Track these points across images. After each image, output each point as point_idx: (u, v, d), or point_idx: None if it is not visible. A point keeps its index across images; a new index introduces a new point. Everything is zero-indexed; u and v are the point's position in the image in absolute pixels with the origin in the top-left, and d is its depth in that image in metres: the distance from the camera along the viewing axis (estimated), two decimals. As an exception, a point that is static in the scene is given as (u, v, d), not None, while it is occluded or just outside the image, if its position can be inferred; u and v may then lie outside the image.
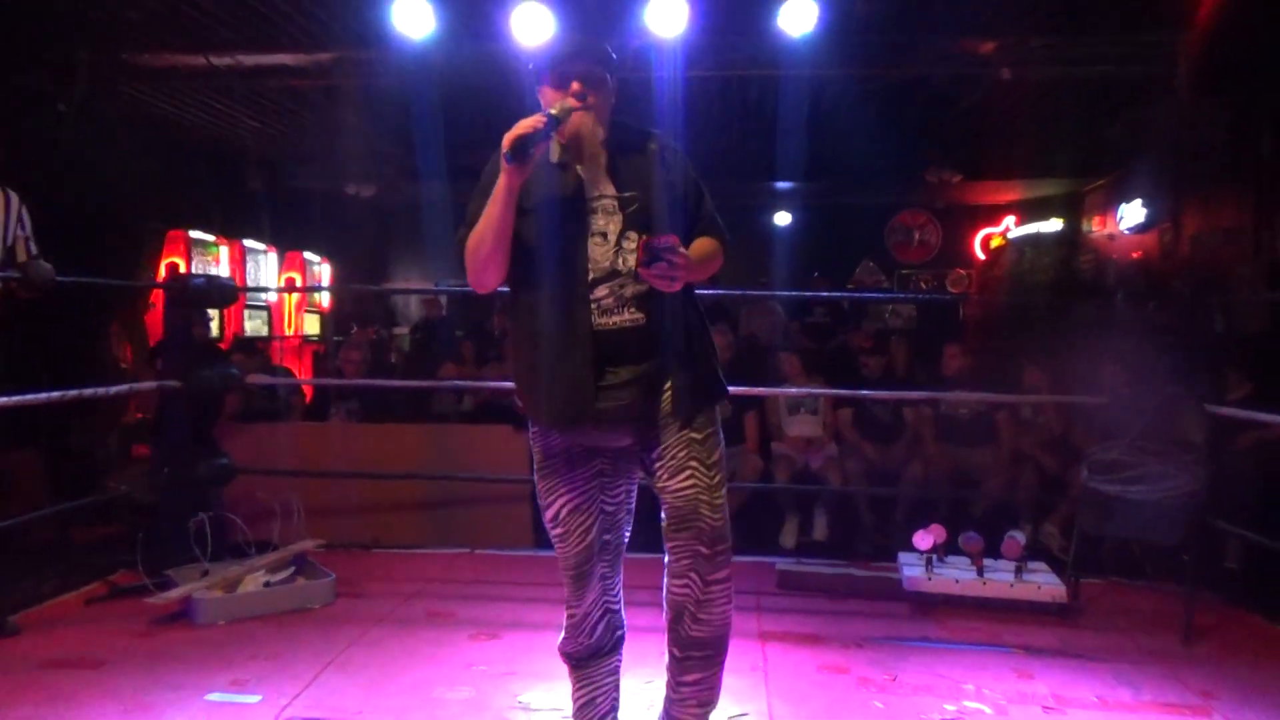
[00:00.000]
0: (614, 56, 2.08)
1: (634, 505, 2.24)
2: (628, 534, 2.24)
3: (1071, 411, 5.23)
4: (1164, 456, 3.53)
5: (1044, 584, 3.56)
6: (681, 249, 1.88)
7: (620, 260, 2.00)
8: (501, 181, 1.94)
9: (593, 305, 1.99)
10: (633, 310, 2.00)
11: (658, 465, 2.06)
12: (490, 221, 1.98)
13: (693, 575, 2.04)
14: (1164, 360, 4.55)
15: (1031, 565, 3.71)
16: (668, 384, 2.04)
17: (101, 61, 6.14)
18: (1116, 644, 3.26)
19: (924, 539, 3.69)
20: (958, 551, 3.75)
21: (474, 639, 3.22)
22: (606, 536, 2.16)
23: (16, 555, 4.43)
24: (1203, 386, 3.94)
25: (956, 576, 3.62)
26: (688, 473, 2.03)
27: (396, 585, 3.81)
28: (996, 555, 3.73)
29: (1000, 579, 3.60)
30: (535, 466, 2.14)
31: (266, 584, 3.56)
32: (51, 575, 3.94)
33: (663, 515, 2.09)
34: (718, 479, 2.04)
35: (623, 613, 2.27)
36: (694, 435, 2.05)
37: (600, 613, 2.18)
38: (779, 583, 3.88)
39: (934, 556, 3.72)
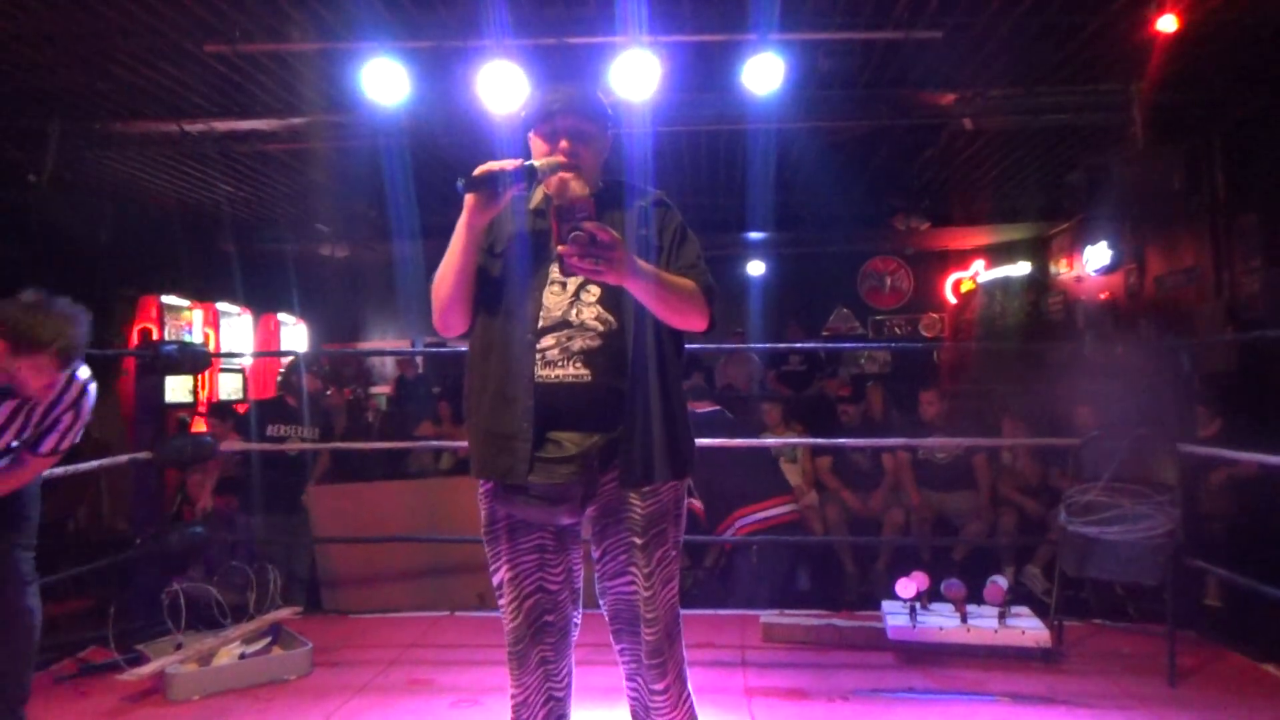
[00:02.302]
0: (610, 112, 2.01)
1: (580, 587, 2.08)
2: (576, 619, 2.08)
3: (1047, 454, 5.28)
4: (1139, 497, 3.55)
5: (1028, 629, 3.55)
6: (604, 227, 1.69)
7: (574, 311, 1.91)
8: (461, 218, 1.87)
9: (537, 355, 1.89)
10: (578, 365, 1.88)
11: (599, 562, 2.01)
12: (451, 260, 1.91)
13: (639, 680, 2.01)
14: (1134, 401, 4.61)
15: (1015, 610, 3.70)
16: (617, 460, 1.91)
17: (72, 131, 6.16)
18: (1102, 688, 3.25)
19: (907, 587, 3.68)
20: (941, 598, 3.74)
21: (455, 706, 3.16)
22: (548, 618, 2.01)
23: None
24: (1173, 426, 3.99)
25: (940, 624, 3.61)
26: (627, 578, 1.96)
27: (375, 652, 3.73)
28: (979, 601, 3.72)
29: (984, 625, 3.58)
30: (482, 530, 2.02)
31: (242, 656, 3.48)
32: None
33: (603, 609, 2.04)
34: (655, 590, 1.94)
35: (568, 703, 2.09)
36: (635, 539, 1.94)
37: (542, 699, 2.02)
38: (764, 635, 3.84)
39: (917, 604, 3.71)
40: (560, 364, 1.88)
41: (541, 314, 1.91)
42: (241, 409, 7.11)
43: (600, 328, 1.90)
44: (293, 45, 5.16)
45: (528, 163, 1.86)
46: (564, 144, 1.93)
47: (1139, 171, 6.59)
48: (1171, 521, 3.45)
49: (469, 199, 1.83)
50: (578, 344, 1.89)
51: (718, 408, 5.03)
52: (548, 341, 1.90)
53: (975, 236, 10.47)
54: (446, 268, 1.92)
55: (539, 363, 1.89)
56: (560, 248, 1.68)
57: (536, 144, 1.98)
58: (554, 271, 1.90)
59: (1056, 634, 3.64)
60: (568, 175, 1.91)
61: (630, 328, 1.91)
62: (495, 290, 1.96)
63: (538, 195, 2.01)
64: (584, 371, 1.88)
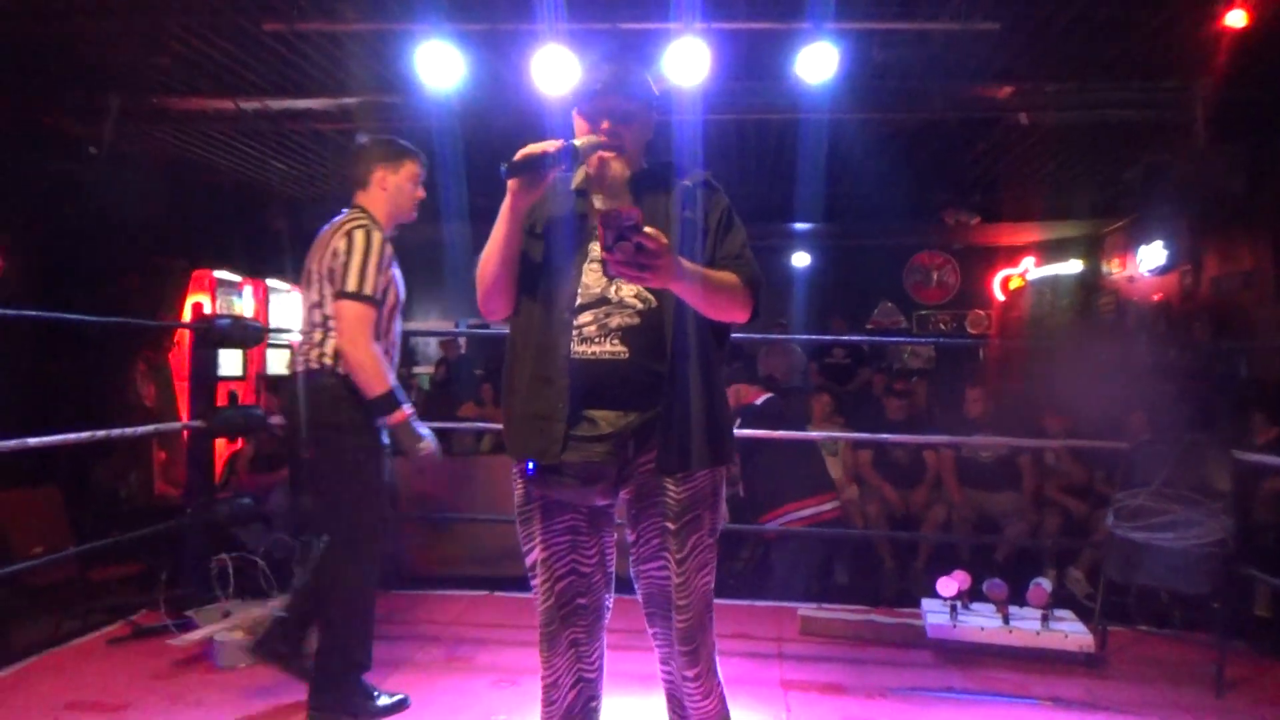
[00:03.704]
0: (655, 92, 2.00)
1: (613, 571, 2.08)
2: (609, 601, 2.08)
3: (1093, 456, 5.20)
4: (1190, 503, 3.49)
5: (1071, 633, 3.51)
6: (655, 232, 1.65)
7: (613, 288, 1.89)
8: (505, 201, 1.86)
9: (574, 331, 1.88)
10: (615, 342, 1.87)
11: (634, 545, 2.00)
12: (494, 243, 1.91)
13: (671, 665, 2.00)
14: (1187, 405, 4.51)
15: (1058, 613, 3.66)
16: (653, 442, 1.89)
17: (132, 105, 6.28)
18: (1146, 696, 3.20)
19: (948, 585, 3.65)
20: (982, 598, 3.71)
21: (495, 685, 3.19)
22: (581, 600, 2.01)
23: (37, 594, 4.46)
24: (1228, 432, 3.91)
25: (981, 624, 3.57)
26: (660, 563, 1.95)
27: (415, 628, 3.79)
28: (1021, 602, 3.68)
29: (1026, 627, 3.54)
30: (515, 510, 2.03)
31: (287, 626, 3.54)
32: (74, 615, 3.96)
33: (637, 594, 2.04)
34: (688, 576, 1.92)
35: (600, 684, 2.09)
36: (669, 524, 1.92)
37: (572, 680, 2.03)
38: (801, 629, 3.83)
39: (958, 603, 3.68)
40: (597, 340, 1.88)
41: (580, 290, 1.90)
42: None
43: (639, 305, 1.89)
44: (349, 25, 5.21)
45: (570, 143, 1.86)
46: (605, 124, 1.92)
47: (1199, 171, 6.44)
48: (1223, 530, 3.38)
49: (512, 183, 1.83)
50: (615, 321, 1.88)
51: (771, 395, 4.99)
52: (585, 318, 1.89)
53: (1026, 233, 10.30)
54: (490, 251, 1.93)
55: (575, 339, 1.88)
56: (604, 254, 1.67)
57: (579, 123, 1.97)
58: (594, 249, 1.89)
59: (1100, 639, 3.59)
60: (608, 155, 1.91)
61: (670, 308, 1.89)
62: (536, 271, 1.96)
63: (579, 175, 2.00)
64: (621, 349, 1.87)
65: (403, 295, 2.90)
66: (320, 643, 2.83)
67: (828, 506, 4.68)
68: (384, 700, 2.91)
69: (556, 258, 1.94)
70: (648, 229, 1.64)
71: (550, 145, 1.82)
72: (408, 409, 2.73)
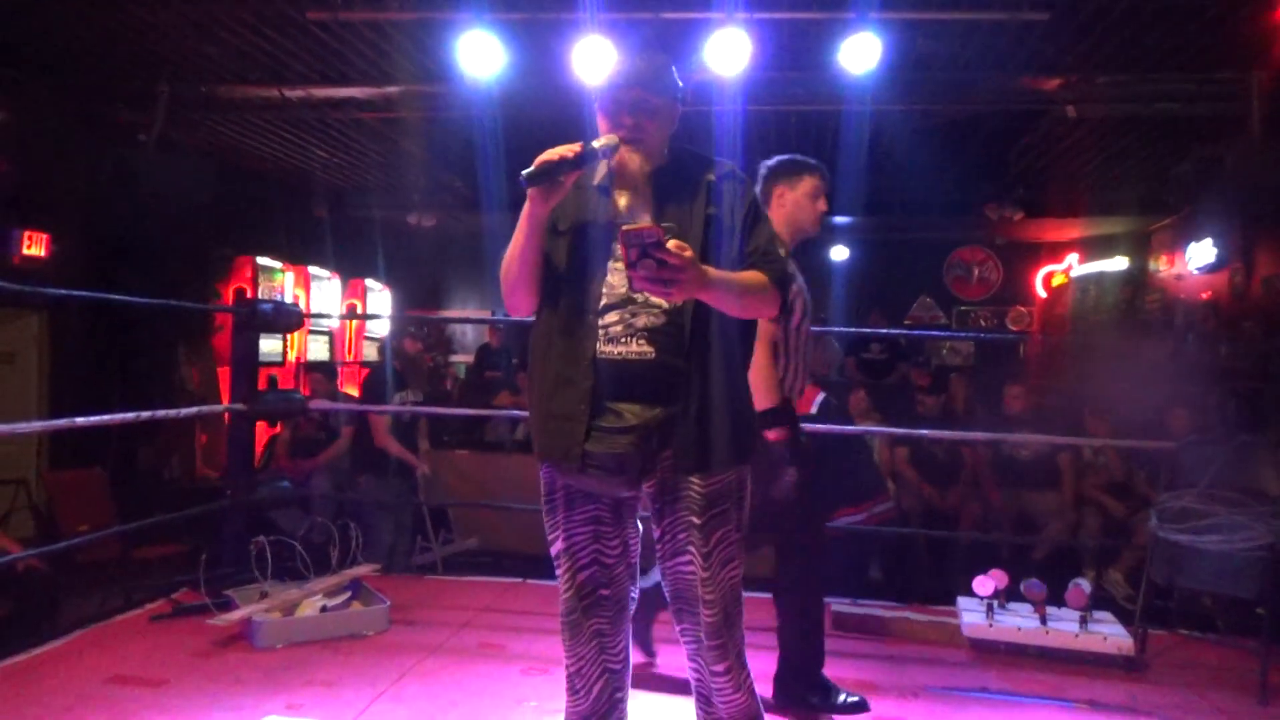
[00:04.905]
0: (678, 82, 1.97)
1: (637, 562, 2.08)
2: (634, 593, 2.08)
3: (1134, 456, 5.10)
4: (1237, 506, 3.40)
5: (1110, 635, 3.44)
6: (677, 246, 1.68)
7: None
8: (526, 207, 1.86)
9: (600, 332, 1.88)
10: (641, 342, 1.86)
11: (659, 540, 1.99)
12: (516, 246, 1.92)
13: (699, 661, 1.99)
14: (1235, 405, 4.40)
15: (1097, 615, 3.59)
16: (675, 436, 1.88)
17: (181, 93, 6.38)
18: (1187, 701, 3.14)
19: (985, 584, 3.60)
20: (1019, 598, 3.65)
21: (526, 673, 3.21)
22: (604, 592, 2.01)
23: (82, 571, 4.58)
24: (1278, 433, 3.81)
25: (1018, 624, 3.52)
26: (686, 558, 1.94)
27: (448, 614, 3.81)
28: (1060, 603, 3.62)
29: (1064, 628, 3.48)
30: (541, 500, 2.04)
31: (323, 608, 3.59)
32: (117, 592, 4.04)
33: (664, 589, 2.02)
34: (714, 571, 1.91)
35: (626, 676, 2.09)
36: (693, 519, 1.91)
37: (597, 672, 2.04)
38: (834, 624, 3.80)
39: (995, 603, 3.63)
40: (623, 340, 1.87)
41: (605, 290, 1.90)
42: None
43: (664, 304, 1.88)
44: (391, 14, 5.25)
45: (589, 145, 1.85)
46: (626, 119, 1.91)
47: (1254, 166, 6.27)
48: (1272, 533, 3.30)
49: (532, 190, 1.83)
50: (641, 321, 1.87)
51: (825, 395, 4.91)
52: (611, 318, 1.89)
53: (1070, 229, 10.13)
54: (512, 254, 1.93)
55: (601, 339, 1.88)
56: (628, 270, 1.69)
57: (602, 122, 1.96)
58: (618, 249, 1.87)
59: (1140, 642, 3.52)
60: (629, 153, 1.91)
61: (691, 305, 1.88)
62: (560, 270, 1.95)
63: (601, 170, 1.98)
64: (647, 349, 1.87)
65: (809, 305, 2.84)
66: (787, 632, 2.91)
67: (881, 508, 4.62)
68: (843, 698, 2.87)
69: (580, 258, 1.93)
70: (670, 243, 1.66)
71: (568, 150, 1.81)
72: (788, 430, 2.67)
